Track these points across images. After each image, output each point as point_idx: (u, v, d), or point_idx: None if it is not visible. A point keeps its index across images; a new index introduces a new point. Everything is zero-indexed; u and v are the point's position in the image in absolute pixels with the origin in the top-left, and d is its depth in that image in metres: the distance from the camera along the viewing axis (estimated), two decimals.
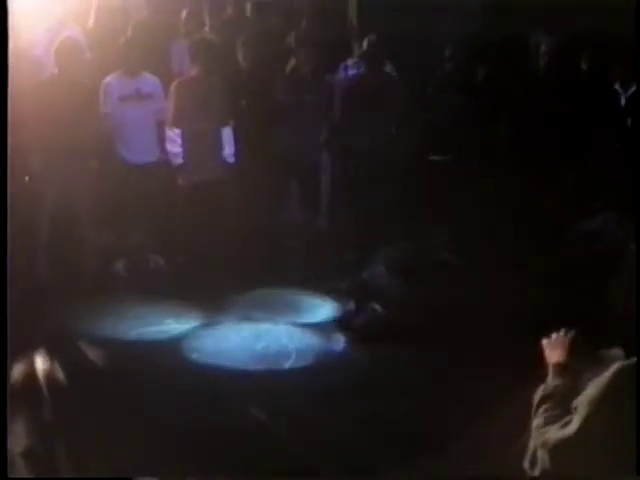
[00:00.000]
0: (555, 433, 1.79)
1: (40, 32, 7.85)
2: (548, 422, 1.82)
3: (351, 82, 8.41)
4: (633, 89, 8.23)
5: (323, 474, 4.53)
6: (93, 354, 5.80)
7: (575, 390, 1.77)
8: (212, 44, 7.70)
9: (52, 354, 5.57)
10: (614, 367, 1.68)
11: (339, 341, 6.27)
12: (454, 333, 5.85)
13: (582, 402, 1.70)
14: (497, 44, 8.48)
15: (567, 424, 1.73)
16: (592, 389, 1.70)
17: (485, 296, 6.23)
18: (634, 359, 1.69)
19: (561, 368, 1.98)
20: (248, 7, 9.34)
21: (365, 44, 8.28)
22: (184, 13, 8.67)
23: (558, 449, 1.75)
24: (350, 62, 8.84)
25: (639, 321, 1.66)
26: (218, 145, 7.55)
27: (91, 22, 8.18)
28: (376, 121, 7.94)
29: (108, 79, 7.29)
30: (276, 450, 4.72)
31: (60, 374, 5.37)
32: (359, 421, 5.08)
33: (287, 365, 5.89)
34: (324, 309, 6.81)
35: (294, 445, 4.79)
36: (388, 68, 8.55)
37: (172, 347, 6.07)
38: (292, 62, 8.20)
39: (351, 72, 8.74)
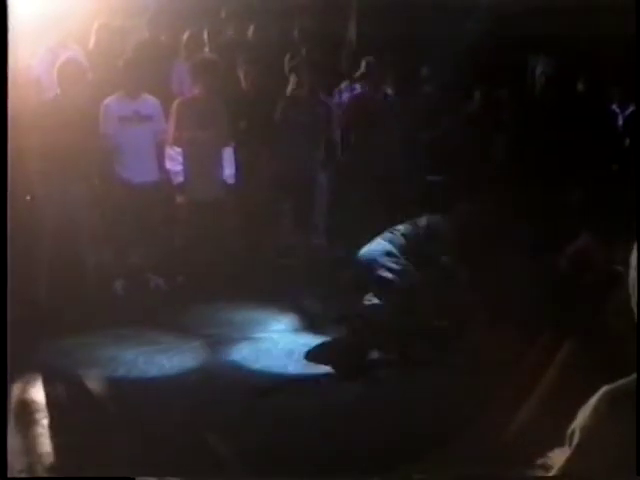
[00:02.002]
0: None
1: (40, 53, 7.91)
2: None
3: (351, 102, 8.49)
4: (631, 109, 8.29)
5: (322, 475, 4.55)
6: (92, 373, 5.83)
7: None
8: (214, 63, 7.73)
9: (52, 372, 5.59)
10: (599, 392, 1.69)
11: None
12: (449, 350, 5.89)
13: (575, 430, 1.70)
14: (495, 65, 8.55)
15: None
16: (580, 417, 1.71)
17: (481, 313, 6.27)
18: (620, 382, 1.70)
19: None
20: (249, 28, 9.41)
21: (363, 65, 8.36)
22: (185, 34, 8.72)
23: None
24: (348, 83, 8.91)
25: (639, 331, 1.66)
26: (219, 165, 7.58)
27: (92, 43, 8.23)
28: (376, 141, 7.99)
29: (108, 100, 7.32)
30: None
31: (60, 392, 5.39)
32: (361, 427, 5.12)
33: (286, 383, 5.90)
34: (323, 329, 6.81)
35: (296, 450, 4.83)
36: (387, 89, 8.62)
37: (171, 367, 6.06)
38: (292, 83, 8.27)
39: (351, 93, 8.81)
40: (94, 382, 5.72)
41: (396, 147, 8.27)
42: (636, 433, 1.56)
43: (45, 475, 4.29)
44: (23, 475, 3.83)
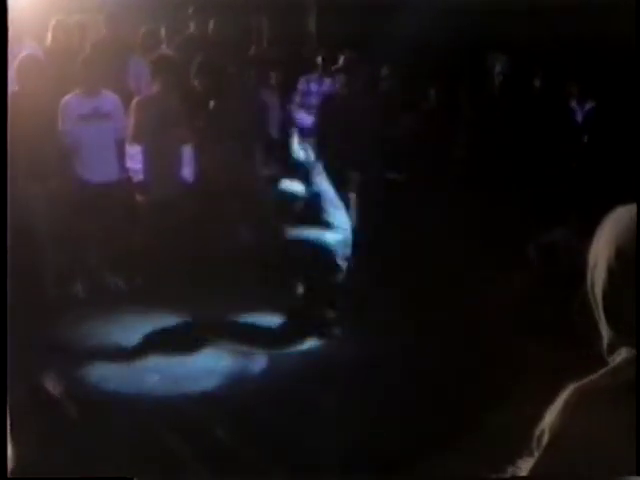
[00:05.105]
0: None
1: None
2: None
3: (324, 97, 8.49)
4: (589, 106, 8.37)
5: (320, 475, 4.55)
6: (51, 377, 5.76)
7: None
8: (172, 61, 7.68)
9: (13, 376, 5.49)
10: (567, 391, 1.69)
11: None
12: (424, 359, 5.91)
13: (544, 430, 1.70)
14: (453, 64, 8.58)
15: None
16: (548, 417, 1.70)
17: (448, 317, 6.31)
18: (586, 380, 1.70)
19: None
20: (207, 24, 9.35)
21: (341, 61, 8.36)
22: (142, 30, 8.64)
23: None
24: (312, 77, 8.89)
25: (639, 321, 1.67)
26: (178, 163, 7.53)
27: (49, 40, 8.13)
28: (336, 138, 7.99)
29: (67, 98, 7.23)
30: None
31: (22, 396, 5.30)
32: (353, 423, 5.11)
33: (249, 385, 5.86)
34: (280, 329, 6.76)
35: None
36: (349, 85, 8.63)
37: (132, 368, 6.00)
38: (250, 79, 8.23)
39: (319, 87, 8.80)
40: (55, 385, 5.65)
41: (355, 144, 8.27)
42: (636, 433, 1.56)
43: None
44: None
